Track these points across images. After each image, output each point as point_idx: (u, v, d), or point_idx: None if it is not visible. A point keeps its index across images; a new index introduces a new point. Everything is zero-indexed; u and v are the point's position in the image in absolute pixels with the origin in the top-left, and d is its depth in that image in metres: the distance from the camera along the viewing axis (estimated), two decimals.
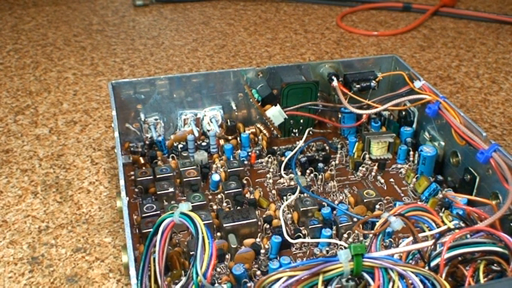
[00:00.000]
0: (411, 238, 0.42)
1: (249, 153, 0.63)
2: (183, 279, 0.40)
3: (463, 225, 0.44)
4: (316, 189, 0.59)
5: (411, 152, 0.62)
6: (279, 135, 0.66)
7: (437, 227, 0.42)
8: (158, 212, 0.52)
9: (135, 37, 1.04)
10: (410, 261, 0.42)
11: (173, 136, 0.65)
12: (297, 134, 0.68)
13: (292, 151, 0.62)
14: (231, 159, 0.62)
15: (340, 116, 0.68)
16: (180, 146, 0.64)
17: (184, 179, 0.57)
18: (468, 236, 0.41)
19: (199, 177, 0.58)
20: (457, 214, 0.48)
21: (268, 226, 0.53)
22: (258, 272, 0.48)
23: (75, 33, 1.05)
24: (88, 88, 0.85)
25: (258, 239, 0.51)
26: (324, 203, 0.55)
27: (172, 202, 0.55)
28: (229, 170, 0.59)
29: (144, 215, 0.52)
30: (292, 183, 0.59)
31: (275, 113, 0.64)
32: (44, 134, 0.73)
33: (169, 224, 0.41)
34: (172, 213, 0.41)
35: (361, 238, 0.52)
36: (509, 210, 0.47)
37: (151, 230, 0.42)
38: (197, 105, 0.66)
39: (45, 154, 0.69)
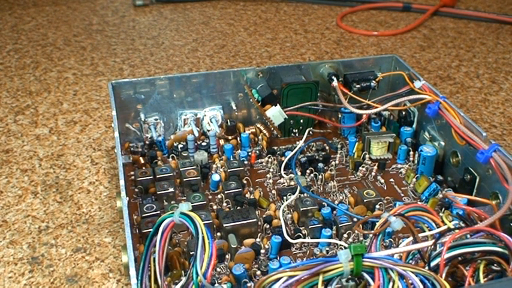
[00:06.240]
0: (411, 238, 0.42)
1: (249, 153, 0.63)
2: (183, 279, 0.40)
3: (463, 225, 0.44)
4: (316, 189, 0.59)
5: (411, 152, 0.62)
6: (279, 135, 0.66)
7: (437, 227, 0.42)
8: (158, 212, 0.52)
9: (135, 37, 1.04)
10: (410, 261, 0.42)
11: (173, 136, 0.65)
12: (297, 134, 0.68)
13: (292, 151, 0.62)
14: (231, 159, 0.62)
15: (340, 116, 0.68)
16: (180, 146, 0.64)
17: (184, 179, 0.57)
18: (468, 236, 0.41)
19: (199, 177, 0.58)
20: (457, 214, 0.48)
21: (268, 226, 0.53)
22: (258, 272, 0.48)
23: (75, 33, 1.05)
24: (88, 88, 0.85)
25: (258, 239, 0.51)
26: (324, 203, 0.55)
27: (172, 202, 0.55)
28: (229, 170, 0.59)
29: (144, 215, 0.52)
30: (292, 183, 0.59)
31: (275, 113, 0.64)
32: (44, 134, 0.73)
33: (169, 224, 0.41)
34: (172, 213, 0.41)
35: (361, 238, 0.52)
36: (509, 210, 0.47)
37: (151, 230, 0.42)
38: (197, 105, 0.66)
39: (45, 154, 0.69)
